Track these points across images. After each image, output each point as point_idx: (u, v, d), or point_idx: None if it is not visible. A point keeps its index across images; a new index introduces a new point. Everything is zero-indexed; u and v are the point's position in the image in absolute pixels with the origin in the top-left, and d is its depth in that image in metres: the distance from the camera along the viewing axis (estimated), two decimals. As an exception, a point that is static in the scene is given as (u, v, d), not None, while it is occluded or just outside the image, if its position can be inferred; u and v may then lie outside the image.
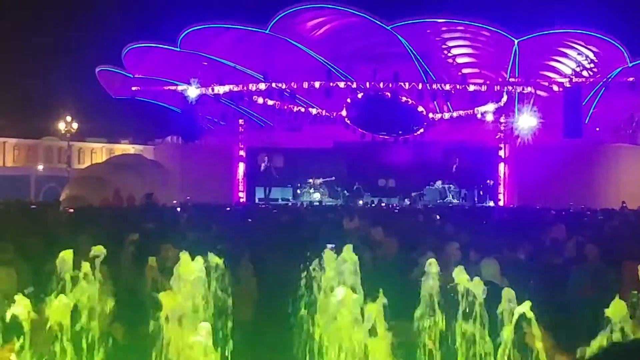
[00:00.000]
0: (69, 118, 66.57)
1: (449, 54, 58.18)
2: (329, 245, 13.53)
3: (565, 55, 55.48)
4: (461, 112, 55.63)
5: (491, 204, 55.36)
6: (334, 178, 58.22)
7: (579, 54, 54.50)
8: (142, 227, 18.63)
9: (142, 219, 22.88)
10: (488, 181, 57.54)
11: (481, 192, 57.54)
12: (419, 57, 54.29)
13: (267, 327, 10.04)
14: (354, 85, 53.88)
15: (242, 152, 60.12)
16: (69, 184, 50.49)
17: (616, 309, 5.78)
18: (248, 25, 55.53)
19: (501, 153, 56.28)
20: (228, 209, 38.32)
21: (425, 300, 7.19)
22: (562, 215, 32.15)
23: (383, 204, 47.97)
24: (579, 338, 6.37)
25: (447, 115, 56.43)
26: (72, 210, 30.98)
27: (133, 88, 58.07)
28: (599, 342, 5.70)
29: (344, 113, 56.53)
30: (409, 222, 24.65)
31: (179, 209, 34.06)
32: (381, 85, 52.82)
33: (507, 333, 6.09)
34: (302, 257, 8.84)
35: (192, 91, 53.39)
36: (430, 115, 56.04)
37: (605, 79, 52.02)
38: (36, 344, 6.67)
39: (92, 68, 60.19)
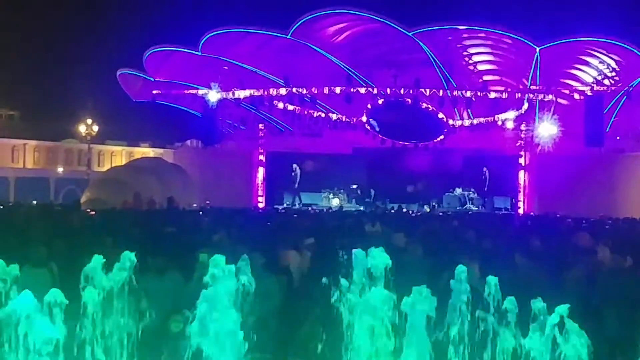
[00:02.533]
0: (89, 121, 66.58)
1: (470, 61, 58.11)
2: (354, 251, 13.53)
3: (586, 63, 55.34)
4: (482, 119, 55.42)
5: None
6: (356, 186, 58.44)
7: (600, 62, 54.37)
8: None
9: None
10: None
11: (513, 200, 57.03)
12: (440, 64, 54.24)
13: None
14: (375, 91, 53.75)
15: (261, 157, 60.05)
16: (90, 187, 50.53)
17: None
18: (269, 30, 55.60)
19: (521, 161, 56.04)
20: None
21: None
22: (583, 223, 31.96)
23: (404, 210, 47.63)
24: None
25: (467, 122, 56.24)
26: (93, 212, 31.03)
27: (154, 91, 58.20)
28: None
29: (364, 119, 56.43)
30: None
31: (201, 213, 34.14)
32: (402, 91, 52.65)
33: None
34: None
35: (213, 95, 53.38)
36: (451, 122, 55.88)
37: (627, 88, 51.84)
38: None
39: (113, 71, 60.39)
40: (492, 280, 7.05)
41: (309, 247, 15.61)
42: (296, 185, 59.95)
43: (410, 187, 57.64)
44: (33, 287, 6.86)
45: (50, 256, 12.74)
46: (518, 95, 53.18)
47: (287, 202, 58.18)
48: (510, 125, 55.44)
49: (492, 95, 52.07)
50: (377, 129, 56.31)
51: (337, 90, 52.37)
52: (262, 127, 60.78)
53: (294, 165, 59.13)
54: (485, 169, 56.57)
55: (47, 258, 12.55)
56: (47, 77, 78.22)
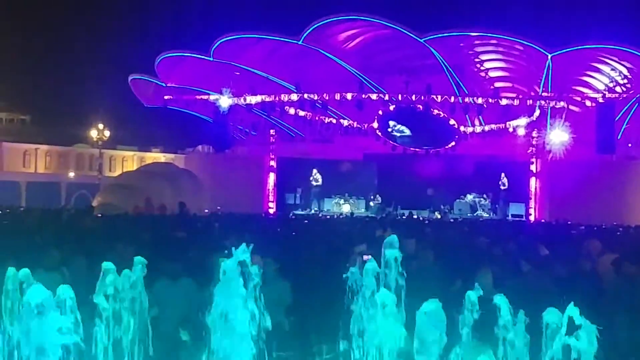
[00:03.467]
0: (101, 126, 66.94)
1: (482, 67, 58.07)
2: (365, 257, 13.57)
3: (598, 70, 55.25)
4: (493, 126, 55.38)
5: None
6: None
7: (612, 69, 54.26)
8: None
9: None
10: None
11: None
12: (451, 70, 54.25)
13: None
14: (386, 98, 53.72)
15: (272, 163, 60.03)
16: (102, 192, 50.70)
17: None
18: (281, 35, 55.69)
19: (533, 167, 55.91)
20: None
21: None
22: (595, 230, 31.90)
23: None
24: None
25: (478, 129, 56.22)
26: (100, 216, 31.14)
27: (165, 97, 58.20)
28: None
29: (375, 125, 56.47)
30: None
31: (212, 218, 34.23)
32: (413, 97, 52.60)
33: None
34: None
35: (224, 101, 53.39)
36: (462, 128, 55.85)
37: (638, 95, 51.74)
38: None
39: (125, 76, 60.56)
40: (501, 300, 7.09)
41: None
42: (313, 190, 59.46)
43: (421, 193, 57.61)
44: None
45: (62, 261, 12.81)
46: (529, 102, 53.00)
47: (315, 209, 57.87)
48: (521, 132, 55.37)
49: (504, 101, 51.94)
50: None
51: (349, 96, 52.29)
52: (273, 133, 60.75)
53: (314, 170, 58.54)
54: (503, 174, 56.09)
55: (59, 263, 12.63)
56: (59, 82, 78.53)
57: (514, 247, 17.85)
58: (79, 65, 79.72)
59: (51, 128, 74.40)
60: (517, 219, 53.85)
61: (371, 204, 57.58)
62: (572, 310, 6.07)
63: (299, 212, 55.02)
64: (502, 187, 55.99)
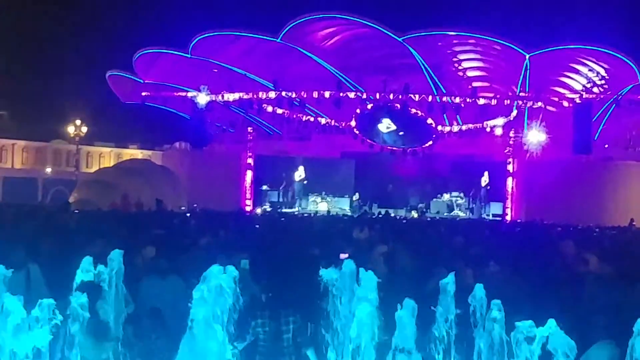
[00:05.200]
0: (78, 122, 66.70)
1: (460, 67, 58.20)
2: (342, 255, 13.58)
3: (576, 71, 55.46)
4: (470, 126, 55.39)
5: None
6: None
7: (590, 70, 54.50)
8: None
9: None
10: None
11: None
12: (429, 69, 54.32)
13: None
14: (364, 96, 53.74)
15: (250, 160, 59.84)
16: (78, 188, 50.53)
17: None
18: (259, 33, 55.60)
19: (509, 167, 55.96)
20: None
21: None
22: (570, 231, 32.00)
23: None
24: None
25: (456, 128, 56.21)
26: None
27: (143, 93, 58.07)
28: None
29: (353, 123, 56.42)
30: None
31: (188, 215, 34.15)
32: (391, 96, 52.64)
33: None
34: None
35: (202, 98, 53.31)
36: (440, 127, 55.85)
37: (615, 96, 51.93)
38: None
39: (103, 72, 60.34)
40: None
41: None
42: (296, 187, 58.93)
43: (399, 192, 57.66)
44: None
45: (38, 256, 12.75)
46: (507, 101, 53.12)
47: (300, 207, 57.53)
48: (498, 131, 55.43)
49: (481, 101, 52.06)
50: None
51: (327, 94, 52.27)
52: (251, 130, 60.59)
53: (301, 167, 58.15)
54: (487, 173, 56.04)
55: (33, 258, 12.57)
56: (36, 78, 78.14)
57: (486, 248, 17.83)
58: (56, 61, 79.30)
59: (28, 123, 74.07)
60: (496, 218, 53.92)
61: (353, 201, 57.50)
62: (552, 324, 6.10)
63: (284, 209, 54.86)
64: (487, 187, 56.05)
